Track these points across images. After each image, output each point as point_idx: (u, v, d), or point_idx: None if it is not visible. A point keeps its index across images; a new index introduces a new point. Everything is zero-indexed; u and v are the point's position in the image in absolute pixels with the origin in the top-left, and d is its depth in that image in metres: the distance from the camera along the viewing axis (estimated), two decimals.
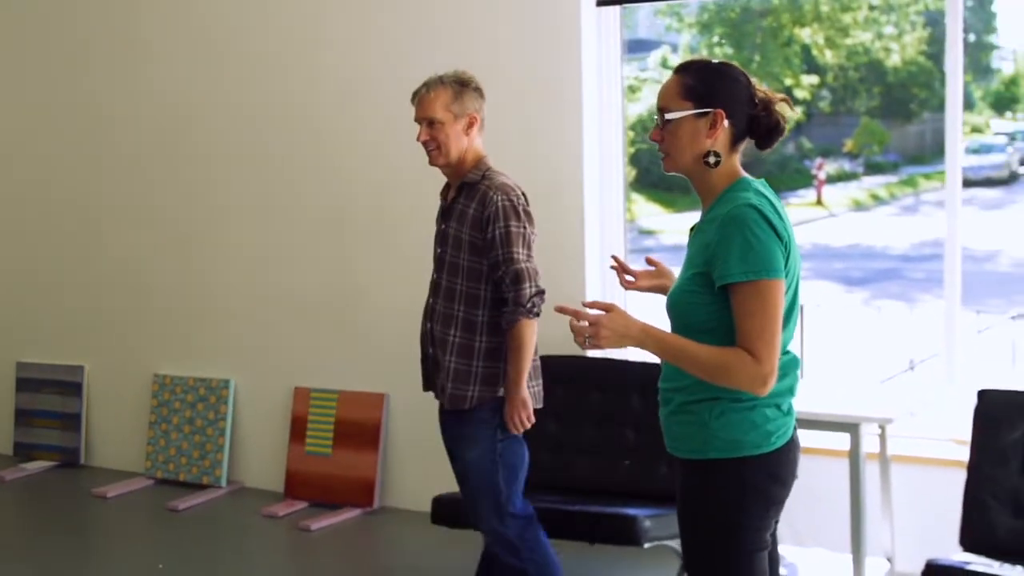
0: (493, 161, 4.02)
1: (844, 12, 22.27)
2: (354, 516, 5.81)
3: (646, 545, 4.36)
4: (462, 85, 3.96)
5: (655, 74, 21.62)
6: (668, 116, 2.86)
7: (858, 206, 24.21)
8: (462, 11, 5.60)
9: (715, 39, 22.04)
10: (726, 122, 2.82)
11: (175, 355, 6.52)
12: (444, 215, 4.02)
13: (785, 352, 2.84)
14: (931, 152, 30.63)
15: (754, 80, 2.89)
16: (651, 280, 3.31)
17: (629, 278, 3.31)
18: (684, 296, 2.83)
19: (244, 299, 6.30)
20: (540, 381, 4.05)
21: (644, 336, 2.74)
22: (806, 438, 4.82)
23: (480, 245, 3.86)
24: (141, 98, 6.50)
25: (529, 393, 3.92)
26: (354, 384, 6.00)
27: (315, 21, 5.97)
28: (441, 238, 4.01)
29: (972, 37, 32.43)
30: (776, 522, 2.91)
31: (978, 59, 32.14)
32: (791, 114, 2.91)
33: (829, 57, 23.70)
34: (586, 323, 2.73)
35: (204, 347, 6.44)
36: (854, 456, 4.23)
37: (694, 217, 3.01)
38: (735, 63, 2.92)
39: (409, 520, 5.73)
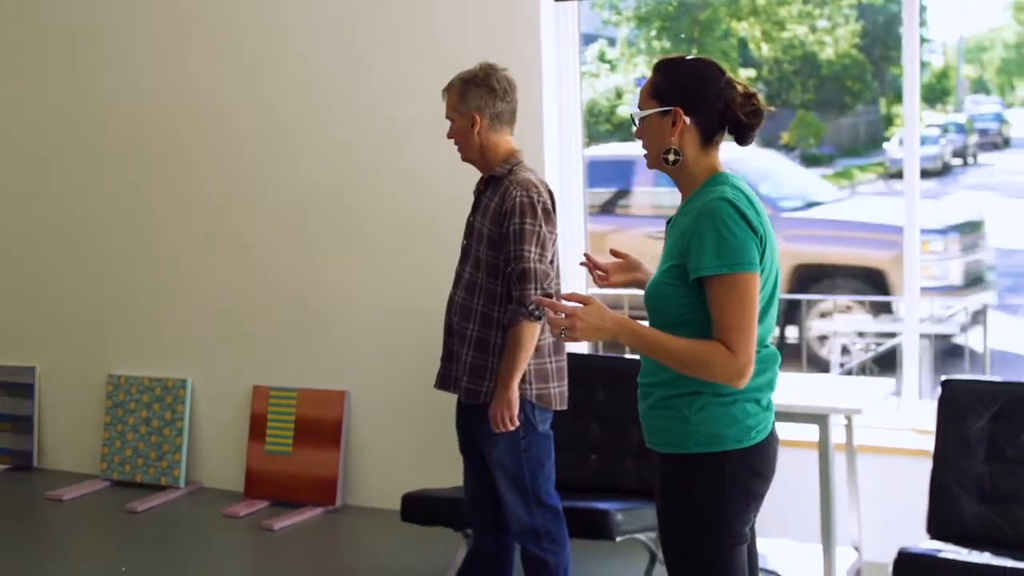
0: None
1: (780, 6, 22.46)
2: (317, 515, 5.77)
3: (618, 539, 4.37)
4: (466, 83, 3.97)
5: (592, 67, 21.68)
6: (635, 115, 2.93)
7: None
8: (418, 3, 5.58)
9: (652, 33, 22.13)
10: (687, 119, 2.84)
11: (130, 355, 6.44)
12: (473, 207, 4.03)
13: (764, 346, 2.88)
14: (865, 144, 31.05)
15: (730, 76, 2.89)
16: (624, 275, 3.32)
17: (601, 274, 3.32)
18: (661, 289, 2.85)
19: (200, 297, 6.24)
20: (565, 382, 4.02)
21: (619, 328, 2.78)
22: (781, 431, 4.89)
23: (497, 240, 3.85)
24: (106, 96, 6.40)
25: (552, 394, 3.92)
26: (314, 382, 5.96)
27: (278, 14, 5.93)
28: (468, 230, 4.02)
29: (902, 31, 32.90)
30: (755, 516, 2.93)
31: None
32: (765, 109, 2.89)
33: (765, 51, 23.90)
34: (563, 315, 2.76)
35: (160, 346, 6.37)
36: (823, 447, 4.27)
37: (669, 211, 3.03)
38: (708, 59, 2.93)
39: (373, 518, 5.71)
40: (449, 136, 4.06)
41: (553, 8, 5.42)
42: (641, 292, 3.08)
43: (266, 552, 5.45)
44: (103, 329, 6.52)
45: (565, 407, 4.04)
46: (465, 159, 4.06)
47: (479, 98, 3.95)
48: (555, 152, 5.46)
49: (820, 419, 4.27)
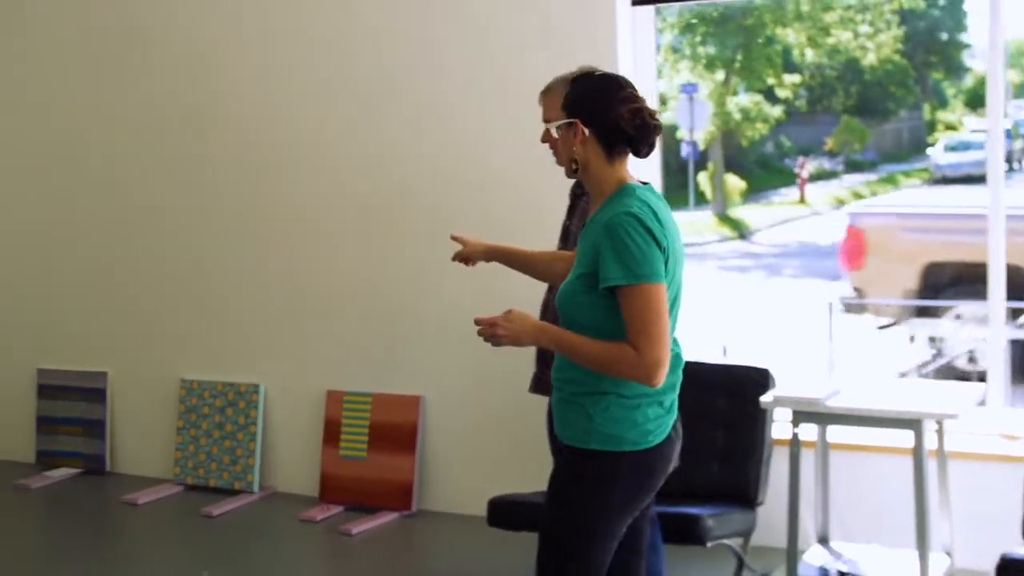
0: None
1: (825, 11, 22.36)
2: (393, 520, 5.77)
3: (709, 544, 4.35)
4: (567, 85, 3.93)
5: None
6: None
7: (841, 204, 24.28)
8: (495, 6, 5.57)
9: (697, 39, 22.11)
10: (586, 131, 3.05)
11: (202, 359, 6.46)
12: (569, 211, 4.04)
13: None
14: (908, 150, 30.85)
15: (629, 93, 3.07)
16: (482, 253, 3.68)
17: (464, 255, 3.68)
18: (572, 296, 3.04)
19: (274, 301, 6.25)
20: None
21: (540, 334, 3.03)
22: (862, 435, 4.86)
23: None
24: (179, 100, 6.44)
25: None
26: (389, 386, 5.96)
27: (350, 13, 5.94)
28: (564, 234, 4.05)
29: (944, 36, 32.71)
30: (648, 506, 3.20)
31: (950, 57, 32.41)
32: (654, 124, 3.06)
33: (810, 56, 23.82)
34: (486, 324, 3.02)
35: (232, 351, 6.39)
36: (918, 452, 4.23)
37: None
38: (614, 75, 3.17)
39: (450, 523, 5.71)
40: (545, 140, 4.03)
41: (630, 13, 5.40)
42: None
43: (344, 557, 5.46)
44: (175, 334, 6.54)
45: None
46: (562, 163, 4.04)
47: None
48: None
49: (914, 424, 4.23)
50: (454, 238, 3.71)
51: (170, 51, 6.44)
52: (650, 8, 5.42)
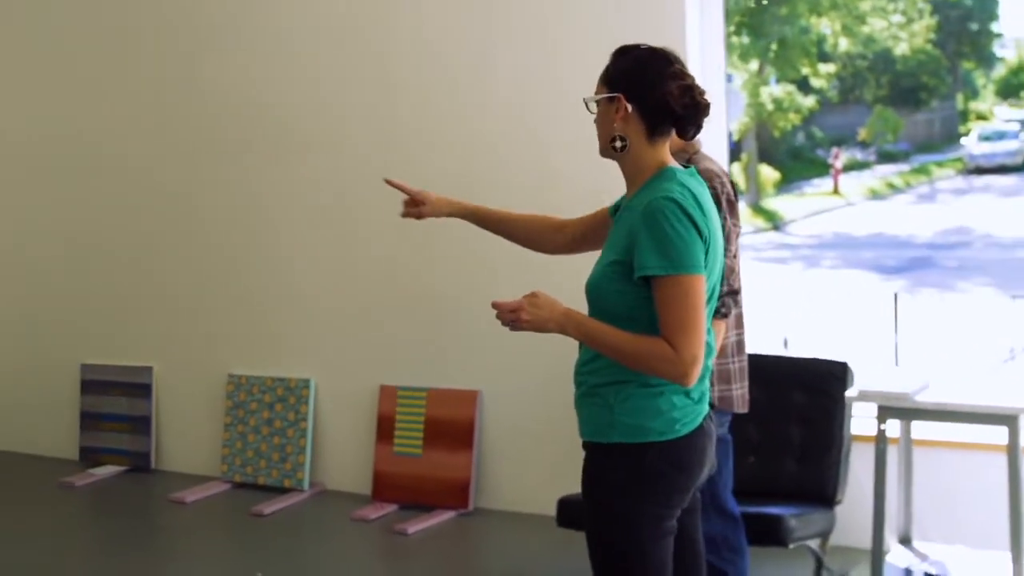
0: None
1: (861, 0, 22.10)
2: (449, 518, 5.60)
3: (791, 545, 4.18)
4: None
5: None
6: (587, 100, 2.95)
7: (875, 195, 24.06)
8: None
9: (732, 28, 21.88)
10: (629, 107, 2.83)
11: (250, 354, 6.30)
12: None
13: None
14: (941, 140, 30.56)
15: (677, 68, 2.84)
16: (445, 208, 3.46)
17: (413, 207, 3.44)
18: (603, 283, 2.84)
19: (323, 294, 6.09)
20: (746, 383, 3.83)
21: (566, 320, 2.80)
22: (946, 431, 4.67)
23: None
24: (214, 90, 6.29)
25: (734, 396, 3.75)
26: (444, 381, 5.79)
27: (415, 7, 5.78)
28: None
29: (975, 26, 32.38)
30: (684, 509, 2.89)
31: (981, 48, 32.08)
32: (704, 103, 2.85)
33: (844, 45, 23.55)
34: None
35: (281, 345, 6.23)
36: (1013, 450, 4.04)
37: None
38: (661, 49, 2.89)
39: (509, 522, 5.54)
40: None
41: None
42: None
43: (401, 556, 5.29)
44: (222, 328, 6.39)
45: (746, 410, 3.84)
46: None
47: None
48: (702, 138, 5.25)
49: (1009, 420, 4.03)
50: (391, 183, 3.46)
51: (213, 44, 6.29)
52: None
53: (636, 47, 2.93)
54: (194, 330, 6.47)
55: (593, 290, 2.88)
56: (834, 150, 25.41)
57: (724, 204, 3.62)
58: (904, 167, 27.11)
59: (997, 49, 33.32)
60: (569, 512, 4.48)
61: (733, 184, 3.75)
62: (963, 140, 28.13)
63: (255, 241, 6.26)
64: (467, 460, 5.68)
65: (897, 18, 25.24)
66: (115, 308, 6.67)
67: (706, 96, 2.85)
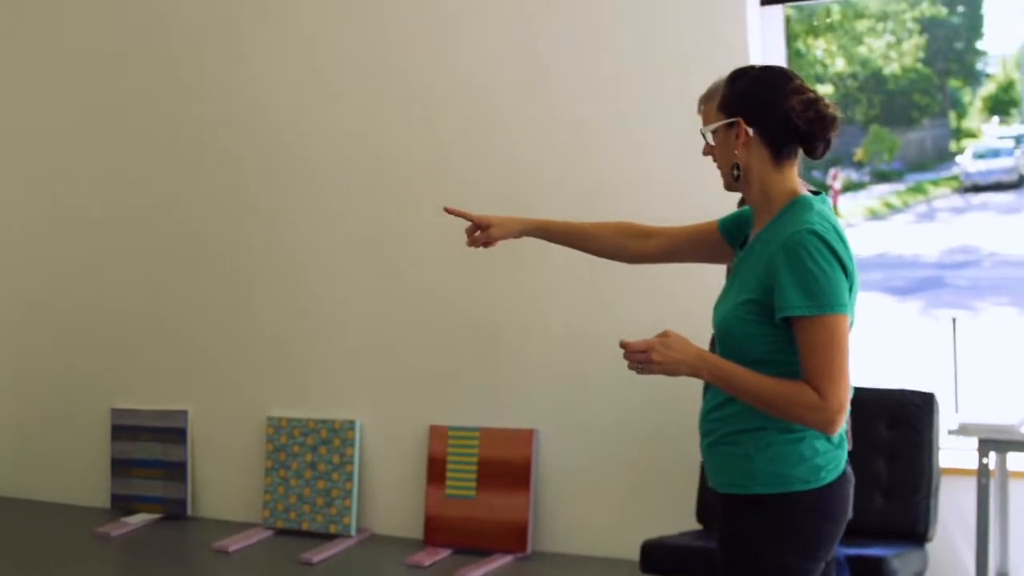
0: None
1: (857, 19, 22.07)
2: (507, 563, 5.39)
3: None
4: None
5: None
6: (704, 131, 2.80)
7: (873, 215, 23.96)
8: (623, 8, 5.22)
9: None
10: (750, 130, 2.67)
11: (290, 395, 6.09)
12: None
13: None
14: (933, 159, 30.53)
15: (798, 84, 2.68)
16: (515, 230, 3.25)
17: (479, 232, 3.24)
18: (736, 323, 2.67)
19: (368, 330, 5.87)
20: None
21: (700, 363, 2.62)
22: None
23: None
24: (247, 120, 6.10)
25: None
26: (498, 420, 5.59)
27: (439, 17, 5.60)
28: None
29: (960, 44, 32.46)
30: (829, 562, 2.74)
31: (968, 65, 32.15)
32: (831, 116, 2.69)
33: (840, 66, 23.48)
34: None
35: (323, 385, 6.02)
36: None
37: None
38: (777, 67, 2.76)
39: (569, 565, 5.34)
40: (707, 153, 3.69)
41: (759, 12, 5.07)
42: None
43: None
44: (259, 368, 6.17)
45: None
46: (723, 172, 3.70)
47: None
48: None
49: None
50: (450, 211, 3.30)
51: (244, 72, 6.11)
52: (779, 8, 5.09)
53: (750, 68, 2.79)
54: (230, 371, 6.25)
55: (726, 332, 2.71)
56: (832, 171, 25.35)
57: None
58: (899, 186, 27.09)
59: (983, 67, 33.44)
60: (656, 557, 4.29)
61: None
62: (958, 158, 28.14)
63: (292, 276, 6.05)
64: (524, 502, 5.47)
65: (888, 38, 25.23)
66: (147, 350, 6.45)
67: (833, 109, 2.68)
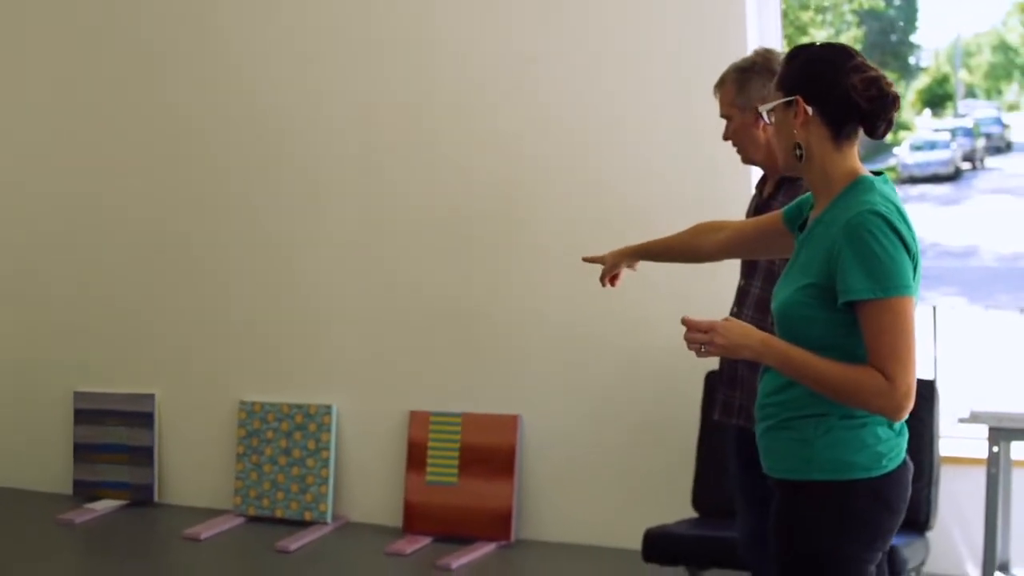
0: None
1: (803, 9, 22.22)
2: (491, 551, 5.29)
3: None
4: (744, 72, 3.52)
5: None
6: (763, 111, 2.72)
7: None
8: None
9: None
10: (809, 109, 2.59)
11: (263, 379, 5.93)
12: (757, 212, 3.54)
13: None
14: (871, 150, 30.91)
15: (859, 61, 2.60)
16: (629, 259, 3.27)
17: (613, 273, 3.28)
18: (798, 310, 2.60)
19: (346, 312, 5.74)
20: None
21: (764, 348, 2.56)
22: None
23: None
24: (219, 101, 5.94)
25: None
26: (481, 405, 5.48)
27: (430, 6, 5.48)
28: (757, 213, 3.55)
29: (895, 37, 32.82)
30: (885, 553, 2.65)
31: (902, 58, 32.51)
32: (892, 95, 2.60)
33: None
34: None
35: (298, 369, 5.87)
36: None
37: None
38: (838, 44, 2.65)
39: (554, 553, 5.26)
40: (727, 137, 3.63)
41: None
42: None
43: None
44: (231, 351, 6.01)
45: None
46: (748, 161, 3.65)
47: (763, 87, 3.48)
48: None
49: None
50: (589, 260, 3.34)
51: (218, 64, 5.95)
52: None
53: (810, 45, 2.70)
54: (201, 354, 6.08)
55: (786, 318, 2.63)
56: None
57: None
58: None
59: (915, 60, 33.76)
60: (659, 545, 4.21)
61: None
62: (895, 150, 28.40)
63: (267, 256, 5.90)
64: (508, 489, 5.37)
65: (829, 30, 25.32)
66: (113, 332, 6.25)
67: (895, 88, 2.59)
